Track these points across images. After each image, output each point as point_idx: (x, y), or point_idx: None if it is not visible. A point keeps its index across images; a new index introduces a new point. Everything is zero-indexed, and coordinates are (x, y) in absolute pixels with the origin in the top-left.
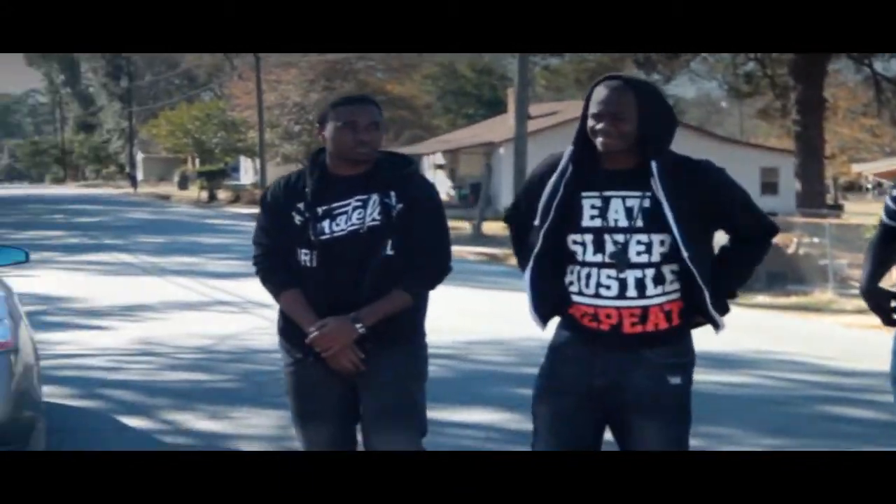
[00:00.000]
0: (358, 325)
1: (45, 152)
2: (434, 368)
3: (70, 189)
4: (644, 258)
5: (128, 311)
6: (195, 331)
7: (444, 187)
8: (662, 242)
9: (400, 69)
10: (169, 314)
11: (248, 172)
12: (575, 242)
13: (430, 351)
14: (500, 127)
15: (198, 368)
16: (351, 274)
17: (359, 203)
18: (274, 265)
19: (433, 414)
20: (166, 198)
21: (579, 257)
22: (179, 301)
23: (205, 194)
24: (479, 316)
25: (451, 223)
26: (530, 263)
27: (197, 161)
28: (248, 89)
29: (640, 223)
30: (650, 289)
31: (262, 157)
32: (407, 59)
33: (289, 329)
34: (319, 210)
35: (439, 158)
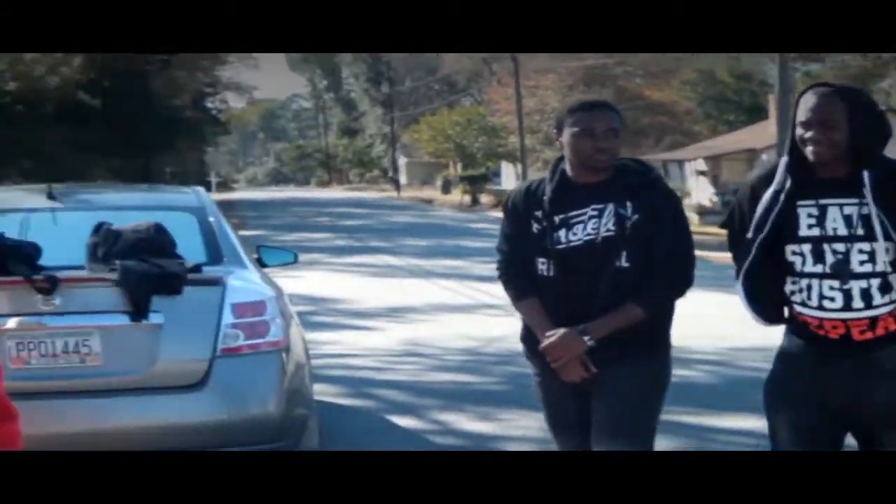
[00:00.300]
0: (586, 338)
1: (309, 156)
2: (700, 374)
3: (335, 192)
4: (868, 268)
5: (394, 313)
6: (461, 332)
7: (707, 193)
8: (887, 250)
9: (658, 75)
10: (435, 316)
11: (509, 177)
12: (793, 253)
13: (695, 357)
14: (762, 133)
15: (464, 370)
16: (587, 284)
17: (595, 212)
18: (514, 273)
19: (703, 420)
20: (429, 201)
21: (798, 268)
22: (445, 303)
23: (467, 198)
24: (744, 321)
25: (714, 230)
26: (742, 275)
27: (459, 165)
28: (507, 95)
29: (860, 231)
30: (877, 299)
31: (524, 162)
32: (665, 65)
33: (529, 338)
34: (556, 219)
35: (701, 164)
